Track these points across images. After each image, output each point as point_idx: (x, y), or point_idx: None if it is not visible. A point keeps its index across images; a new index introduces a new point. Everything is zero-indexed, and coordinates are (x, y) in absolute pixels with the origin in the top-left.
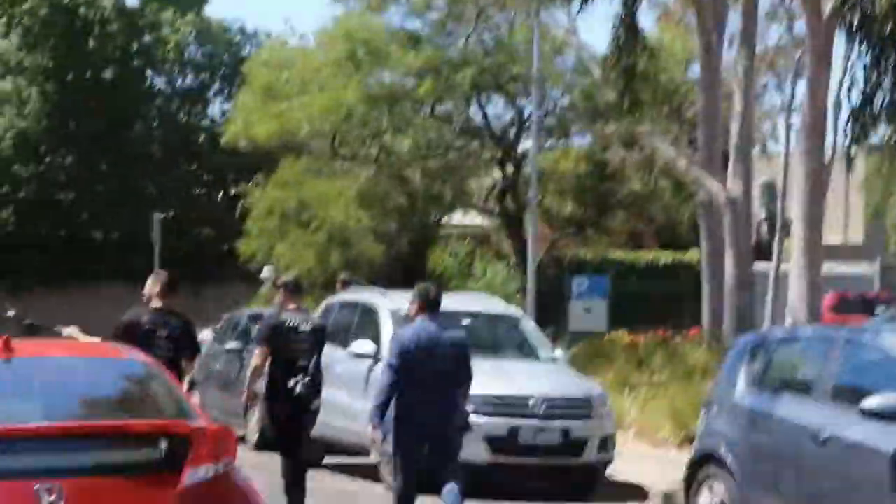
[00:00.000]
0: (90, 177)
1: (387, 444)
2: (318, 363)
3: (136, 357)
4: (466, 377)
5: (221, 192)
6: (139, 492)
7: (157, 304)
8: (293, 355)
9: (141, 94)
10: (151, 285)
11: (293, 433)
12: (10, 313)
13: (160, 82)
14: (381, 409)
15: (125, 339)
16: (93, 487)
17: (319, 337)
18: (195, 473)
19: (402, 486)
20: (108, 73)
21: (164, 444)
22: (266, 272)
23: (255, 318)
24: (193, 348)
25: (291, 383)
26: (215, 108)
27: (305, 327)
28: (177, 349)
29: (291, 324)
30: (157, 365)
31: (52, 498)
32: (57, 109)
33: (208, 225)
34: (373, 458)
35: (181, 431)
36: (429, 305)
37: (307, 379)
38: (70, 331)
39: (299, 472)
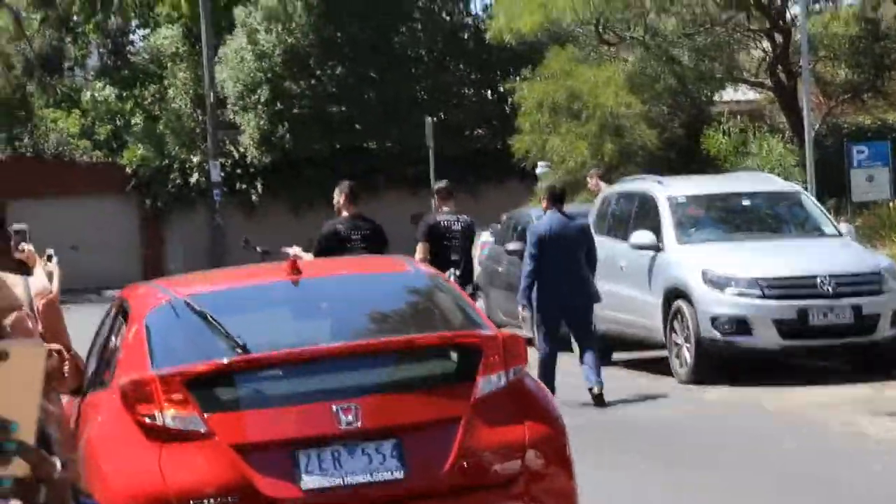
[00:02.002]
0: (360, 87)
1: (533, 319)
2: (467, 257)
3: (419, 269)
4: (593, 256)
5: (490, 90)
6: (434, 404)
7: (346, 212)
8: (447, 251)
9: None
10: (338, 196)
11: None
12: (245, 244)
13: None
14: (527, 291)
15: (327, 248)
16: (388, 403)
17: (468, 234)
18: (488, 382)
19: (546, 351)
20: None
21: (455, 355)
22: (541, 168)
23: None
24: (383, 247)
25: (446, 275)
26: (477, 4)
27: (457, 226)
28: (369, 249)
29: (445, 224)
30: (440, 275)
31: (350, 417)
32: (323, 21)
33: (480, 124)
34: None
35: (472, 341)
36: (555, 200)
37: (458, 271)
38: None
39: None
